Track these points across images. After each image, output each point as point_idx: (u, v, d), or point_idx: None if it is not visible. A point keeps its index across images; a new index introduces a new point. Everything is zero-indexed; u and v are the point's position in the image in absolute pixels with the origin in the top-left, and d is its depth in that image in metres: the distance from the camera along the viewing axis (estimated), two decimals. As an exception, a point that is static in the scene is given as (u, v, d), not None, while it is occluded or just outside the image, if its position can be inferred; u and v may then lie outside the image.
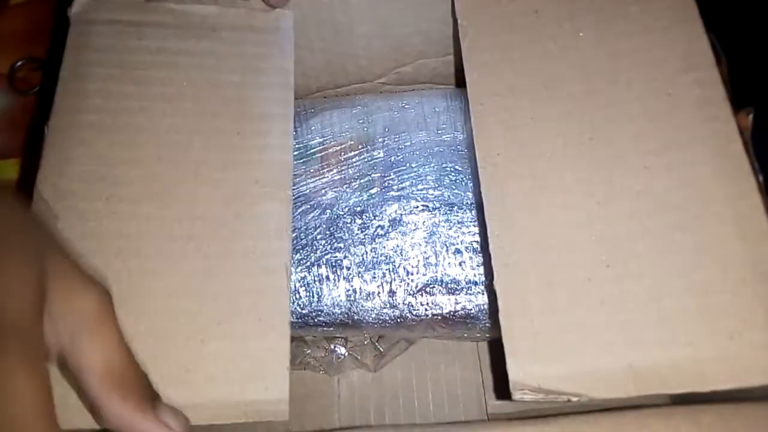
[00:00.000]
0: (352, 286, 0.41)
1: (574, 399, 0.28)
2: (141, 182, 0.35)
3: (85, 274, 0.27)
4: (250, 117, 0.38)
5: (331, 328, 0.42)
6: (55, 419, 0.23)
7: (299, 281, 0.41)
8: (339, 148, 0.45)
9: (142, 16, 0.39)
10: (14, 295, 0.24)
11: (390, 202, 0.43)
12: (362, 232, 0.42)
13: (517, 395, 0.29)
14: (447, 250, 0.41)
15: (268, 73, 0.39)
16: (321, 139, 0.46)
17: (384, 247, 0.42)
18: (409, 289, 0.41)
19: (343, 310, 0.41)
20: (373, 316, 0.41)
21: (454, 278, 0.41)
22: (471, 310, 0.41)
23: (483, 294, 0.41)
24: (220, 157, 0.36)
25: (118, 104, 0.36)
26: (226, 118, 0.37)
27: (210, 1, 0.41)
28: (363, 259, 0.42)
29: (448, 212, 0.42)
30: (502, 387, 0.33)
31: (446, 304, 0.41)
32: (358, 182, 0.44)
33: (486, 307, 0.41)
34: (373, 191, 0.43)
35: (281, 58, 0.40)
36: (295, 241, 0.42)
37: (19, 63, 0.58)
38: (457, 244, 0.42)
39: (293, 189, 0.43)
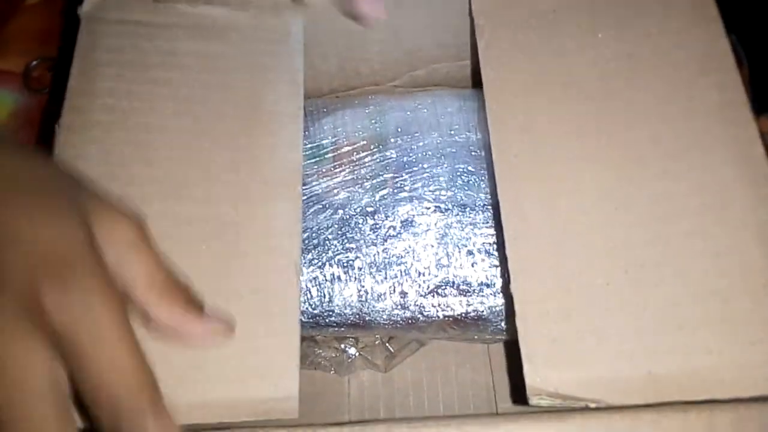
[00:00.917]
0: (363, 286, 0.41)
1: (592, 405, 0.28)
2: (152, 182, 0.35)
3: (119, 205, 0.29)
4: (260, 116, 0.38)
5: (342, 329, 0.42)
6: (135, 337, 0.25)
7: (311, 281, 0.41)
8: (351, 147, 0.45)
9: (152, 17, 0.39)
10: (68, 235, 0.26)
11: (402, 203, 0.43)
12: (374, 232, 0.42)
13: (534, 400, 0.28)
14: (459, 252, 0.41)
15: (277, 70, 0.39)
16: (333, 139, 0.45)
17: (396, 248, 0.42)
18: (420, 290, 0.41)
19: (354, 310, 0.41)
20: (384, 316, 0.41)
21: (466, 280, 0.41)
22: (483, 312, 0.40)
23: (495, 296, 0.40)
24: (230, 157, 0.36)
25: (129, 104, 0.36)
26: (236, 119, 0.37)
27: (220, 3, 0.40)
28: (374, 259, 0.41)
29: (461, 213, 0.42)
30: (517, 391, 0.33)
31: (458, 305, 0.41)
32: (370, 182, 0.44)
33: (498, 309, 0.40)
34: (385, 192, 0.43)
35: (290, 57, 0.40)
36: (306, 241, 0.42)
37: (34, 63, 0.58)
38: (470, 245, 0.41)
39: (305, 189, 0.43)
